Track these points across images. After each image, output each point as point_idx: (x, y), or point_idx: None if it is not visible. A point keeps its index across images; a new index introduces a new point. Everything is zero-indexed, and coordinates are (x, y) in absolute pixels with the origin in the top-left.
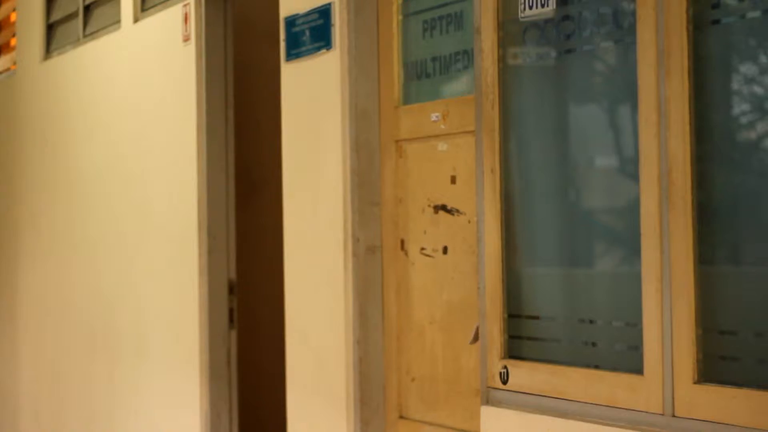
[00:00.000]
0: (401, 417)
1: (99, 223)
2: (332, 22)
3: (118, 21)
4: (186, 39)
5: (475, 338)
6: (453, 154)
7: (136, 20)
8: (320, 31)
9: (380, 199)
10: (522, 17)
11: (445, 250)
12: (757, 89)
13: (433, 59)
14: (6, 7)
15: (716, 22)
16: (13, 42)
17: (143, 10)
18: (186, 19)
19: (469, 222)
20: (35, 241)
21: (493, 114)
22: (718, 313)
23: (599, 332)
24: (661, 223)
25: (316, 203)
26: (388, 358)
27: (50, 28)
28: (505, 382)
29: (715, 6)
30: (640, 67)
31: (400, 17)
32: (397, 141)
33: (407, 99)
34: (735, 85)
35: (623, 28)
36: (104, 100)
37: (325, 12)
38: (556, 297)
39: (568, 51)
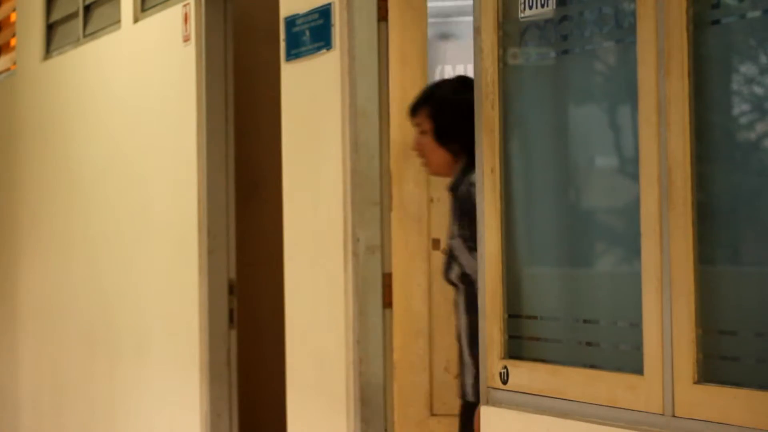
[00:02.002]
0: (433, 414)
1: (99, 223)
2: (332, 22)
3: (118, 21)
4: (186, 39)
5: None
6: None
7: (136, 20)
8: (320, 31)
9: (382, 199)
10: (522, 17)
11: None
12: (757, 89)
13: None
14: (6, 7)
15: (716, 22)
16: (13, 42)
17: (143, 10)
18: (186, 19)
19: None
20: (35, 240)
21: (493, 114)
22: (718, 313)
23: (599, 332)
24: (661, 223)
25: (316, 203)
26: (414, 358)
27: (50, 28)
28: (505, 382)
29: (715, 6)
30: (640, 67)
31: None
32: None
33: None
34: (735, 85)
35: (623, 28)
36: (104, 100)
37: (325, 12)
38: (556, 297)
39: (568, 51)
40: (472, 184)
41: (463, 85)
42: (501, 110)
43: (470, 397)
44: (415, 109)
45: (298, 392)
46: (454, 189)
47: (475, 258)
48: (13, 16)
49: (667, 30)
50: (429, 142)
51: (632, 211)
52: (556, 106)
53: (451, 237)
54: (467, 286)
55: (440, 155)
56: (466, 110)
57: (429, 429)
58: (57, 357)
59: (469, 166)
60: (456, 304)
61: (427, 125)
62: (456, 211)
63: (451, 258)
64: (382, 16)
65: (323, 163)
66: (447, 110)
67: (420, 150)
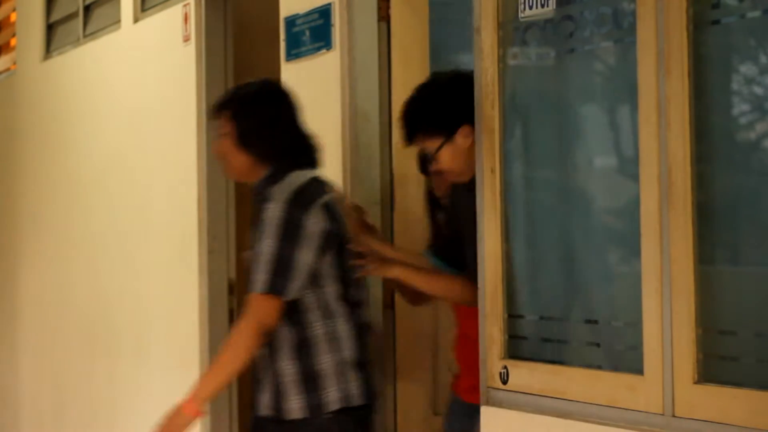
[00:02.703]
0: (436, 414)
1: (99, 223)
2: (332, 22)
3: (118, 21)
4: (186, 39)
5: None
6: None
7: (136, 20)
8: (320, 31)
9: (382, 199)
10: (522, 17)
11: None
12: (757, 89)
13: None
14: (6, 7)
15: (716, 22)
16: (13, 42)
17: (143, 10)
18: (186, 19)
19: None
20: (35, 240)
21: (493, 114)
22: (718, 313)
23: (599, 332)
24: (661, 223)
25: None
26: (416, 358)
27: (50, 28)
28: (505, 382)
29: (715, 6)
30: (640, 67)
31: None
32: None
33: None
34: (735, 85)
35: (623, 28)
36: (104, 100)
37: (325, 12)
38: (556, 297)
39: (568, 51)
40: (267, 200)
41: (268, 88)
42: (501, 110)
43: (262, 411)
44: (216, 111)
45: None
46: (257, 196)
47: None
48: (13, 16)
49: (667, 30)
50: (230, 145)
51: (632, 211)
52: (556, 106)
53: (252, 246)
54: None
55: (241, 160)
56: (269, 115)
57: (431, 429)
58: (57, 357)
59: (274, 175)
60: None
61: (229, 128)
62: (255, 219)
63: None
64: (382, 16)
65: (323, 163)
66: (250, 114)
67: (220, 153)
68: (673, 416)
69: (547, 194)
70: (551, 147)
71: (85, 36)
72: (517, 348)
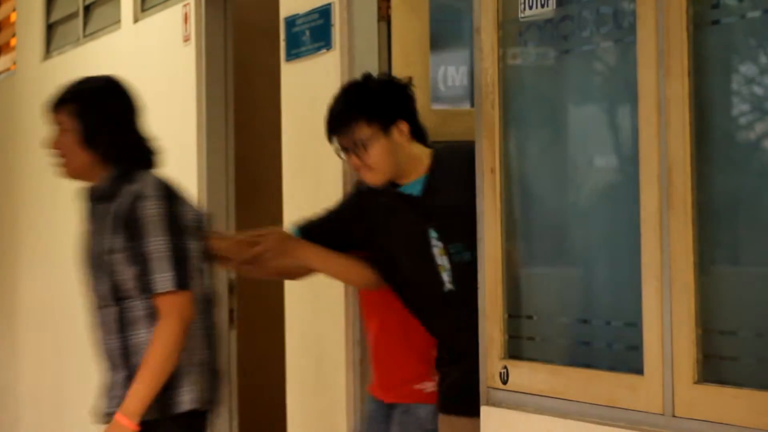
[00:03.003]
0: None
1: None
2: (332, 22)
3: (118, 21)
4: (186, 39)
5: None
6: None
7: (136, 20)
8: (320, 31)
9: None
10: (522, 17)
11: None
12: (757, 89)
13: None
14: (6, 7)
15: (716, 22)
16: (13, 42)
17: (143, 10)
18: (186, 19)
19: None
20: (35, 241)
21: (493, 114)
22: (718, 313)
23: (599, 332)
24: (661, 223)
25: (316, 203)
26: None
27: (50, 28)
28: (505, 382)
29: (715, 6)
30: (640, 67)
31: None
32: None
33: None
34: (735, 86)
35: (623, 28)
36: None
37: (325, 12)
38: (556, 297)
39: (568, 51)
40: (139, 197)
41: (113, 85)
42: (501, 110)
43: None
44: (57, 106)
45: (298, 392)
46: (106, 198)
47: (139, 268)
48: (13, 16)
49: (667, 30)
50: (71, 142)
51: (632, 211)
52: (556, 106)
53: (107, 252)
54: (118, 303)
55: (82, 159)
56: (115, 114)
57: None
58: (57, 357)
59: (125, 174)
60: (102, 325)
61: (71, 124)
62: (113, 224)
63: (102, 273)
64: (382, 16)
65: (323, 163)
66: (95, 111)
67: (59, 150)
68: (673, 416)
69: (547, 194)
70: (551, 147)
71: (85, 36)
72: (517, 348)
